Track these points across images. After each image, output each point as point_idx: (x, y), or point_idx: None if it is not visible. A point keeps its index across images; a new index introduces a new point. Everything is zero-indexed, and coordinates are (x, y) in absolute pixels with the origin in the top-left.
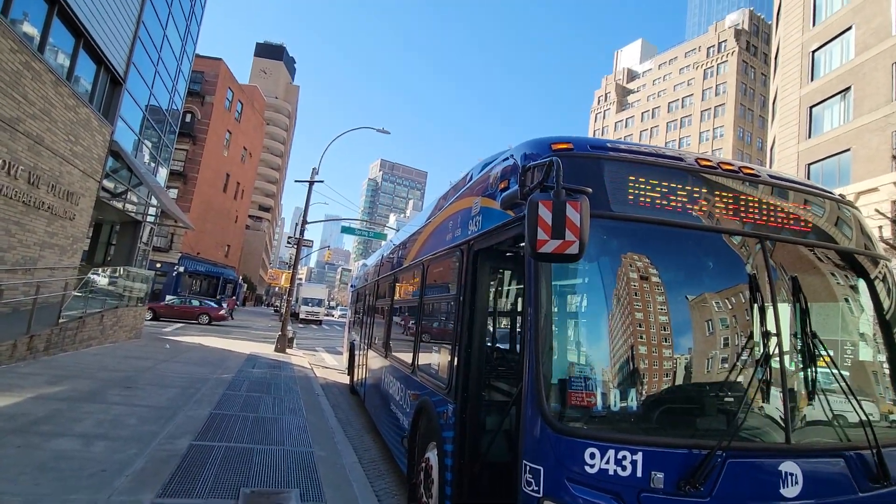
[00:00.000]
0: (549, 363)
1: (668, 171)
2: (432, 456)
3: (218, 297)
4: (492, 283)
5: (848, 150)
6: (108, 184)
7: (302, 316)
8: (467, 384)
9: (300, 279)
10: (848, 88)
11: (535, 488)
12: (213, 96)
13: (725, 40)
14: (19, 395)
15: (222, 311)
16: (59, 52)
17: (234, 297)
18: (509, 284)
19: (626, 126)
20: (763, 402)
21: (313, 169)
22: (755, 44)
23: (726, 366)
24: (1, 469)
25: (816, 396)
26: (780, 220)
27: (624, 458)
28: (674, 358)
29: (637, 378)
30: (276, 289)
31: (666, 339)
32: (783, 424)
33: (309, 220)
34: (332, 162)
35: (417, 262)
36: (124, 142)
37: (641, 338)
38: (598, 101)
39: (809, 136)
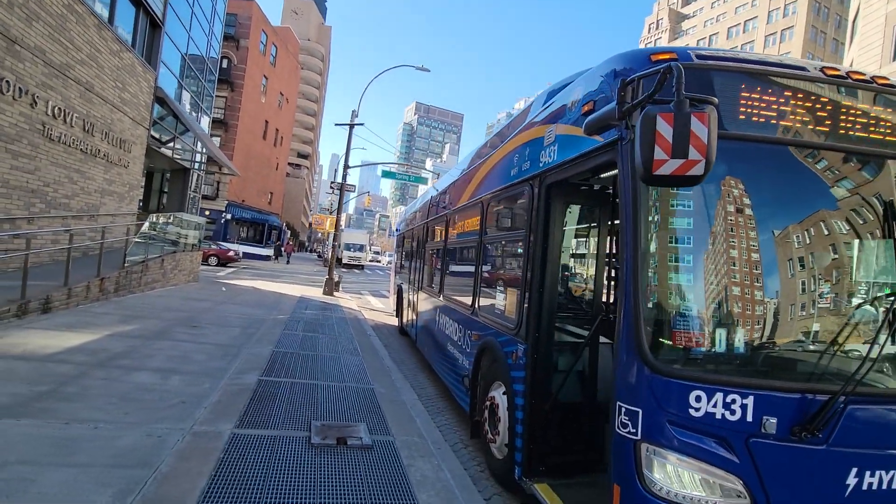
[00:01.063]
0: (650, 300)
1: (789, 82)
2: (498, 395)
3: (277, 243)
4: (564, 219)
5: None
6: (156, 132)
7: (345, 261)
8: (539, 325)
9: (341, 226)
10: None
11: (632, 430)
12: (248, 40)
13: None
14: (98, 333)
15: (231, 253)
16: None
17: (290, 243)
18: (584, 220)
19: None
20: (886, 343)
21: (353, 111)
22: None
23: (844, 304)
24: (90, 398)
25: None
26: None
27: (733, 401)
28: (787, 295)
29: (746, 317)
30: (319, 235)
31: (779, 275)
32: None
33: (349, 164)
34: (368, 106)
35: (475, 201)
36: (167, 88)
37: (752, 273)
38: (649, 30)
39: (894, 59)
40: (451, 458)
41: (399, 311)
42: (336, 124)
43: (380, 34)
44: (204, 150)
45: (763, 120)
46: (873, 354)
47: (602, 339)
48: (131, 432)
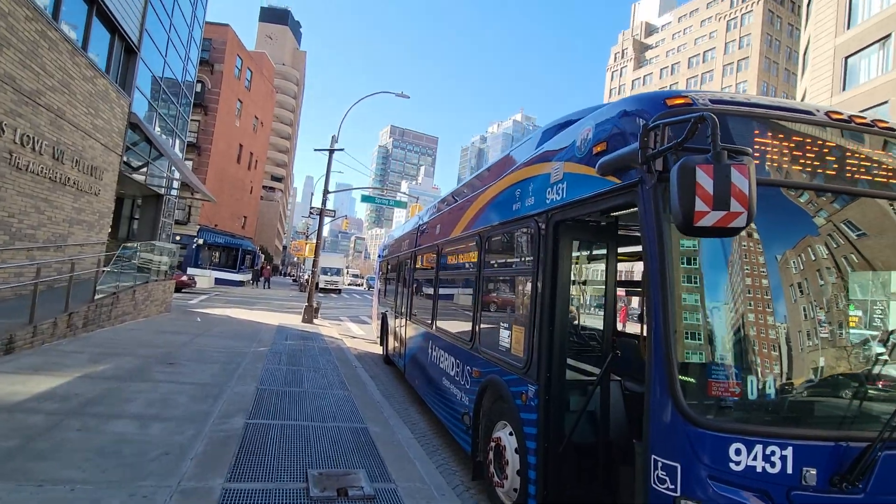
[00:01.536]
0: (684, 349)
1: (798, 126)
2: (504, 436)
3: (256, 268)
4: (573, 255)
5: (885, 102)
6: (128, 158)
7: (321, 285)
8: (550, 365)
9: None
10: (888, 36)
11: (671, 486)
12: (223, 64)
13: None
14: (68, 375)
15: (184, 278)
16: (72, 20)
17: (269, 267)
18: (593, 258)
19: (643, 83)
20: None
21: (333, 137)
22: None
23: (874, 346)
24: (64, 454)
25: None
26: None
27: (773, 453)
28: (817, 337)
29: (781, 364)
30: (295, 259)
31: (808, 319)
32: None
33: (327, 189)
34: (343, 129)
35: (472, 233)
36: (142, 113)
37: (787, 319)
38: (615, 58)
39: (844, 89)
40: None
41: (384, 340)
42: (316, 150)
43: (354, 58)
44: (179, 177)
45: (778, 163)
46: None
47: (612, 377)
48: (113, 493)
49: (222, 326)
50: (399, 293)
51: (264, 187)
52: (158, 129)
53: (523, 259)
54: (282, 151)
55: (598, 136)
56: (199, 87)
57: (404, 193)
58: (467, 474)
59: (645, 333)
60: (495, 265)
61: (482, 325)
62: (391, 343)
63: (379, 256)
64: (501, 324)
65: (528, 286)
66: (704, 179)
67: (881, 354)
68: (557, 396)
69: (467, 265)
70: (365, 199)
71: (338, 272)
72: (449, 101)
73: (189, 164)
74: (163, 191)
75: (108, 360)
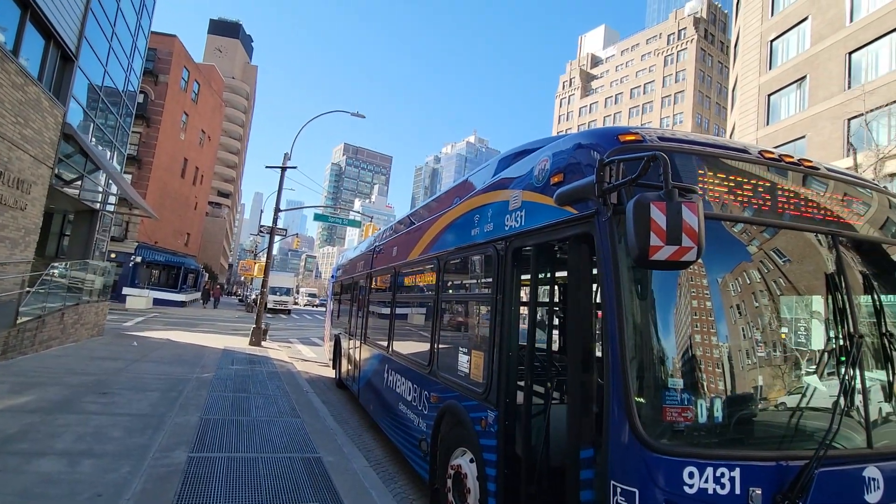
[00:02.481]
0: (640, 377)
1: (737, 163)
2: (465, 463)
3: (206, 287)
4: (531, 281)
5: (803, 137)
6: (62, 170)
7: (270, 305)
8: (510, 390)
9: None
10: (804, 77)
11: None
12: (168, 76)
13: (685, 28)
14: None
15: None
16: (2, 23)
17: (218, 287)
18: (551, 282)
19: (590, 111)
20: (847, 406)
21: (285, 154)
22: (713, 32)
23: (809, 370)
24: None
25: (892, 395)
26: (844, 214)
27: (722, 475)
28: (759, 361)
29: (727, 384)
30: (242, 278)
31: (750, 343)
32: (865, 429)
33: (278, 207)
34: (295, 146)
35: (430, 257)
36: (77, 124)
37: (727, 342)
38: (563, 87)
39: (768, 124)
40: None
41: (336, 363)
42: (267, 167)
43: (308, 76)
44: (117, 192)
45: (718, 198)
46: (836, 416)
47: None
48: None
49: (162, 351)
50: (353, 315)
51: (210, 203)
52: (95, 141)
53: (482, 283)
54: (230, 166)
55: (555, 167)
56: (141, 98)
57: (357, 212)
58: (425, 502)
59: (601, 355)
60: (454, 289)
61: (440, 350)
62: (344, 366)
63: (332, 277)
64: (460, 348)
65: (487, 311)
66: (658, 215)
67: (815, 374)
68: (517, 422)
69: (425, 288)
70: (318, 217)
71: (287, 292)
72: (403, 120)
73: (129, 177)
74: (98, 206)
75: (32, 391)
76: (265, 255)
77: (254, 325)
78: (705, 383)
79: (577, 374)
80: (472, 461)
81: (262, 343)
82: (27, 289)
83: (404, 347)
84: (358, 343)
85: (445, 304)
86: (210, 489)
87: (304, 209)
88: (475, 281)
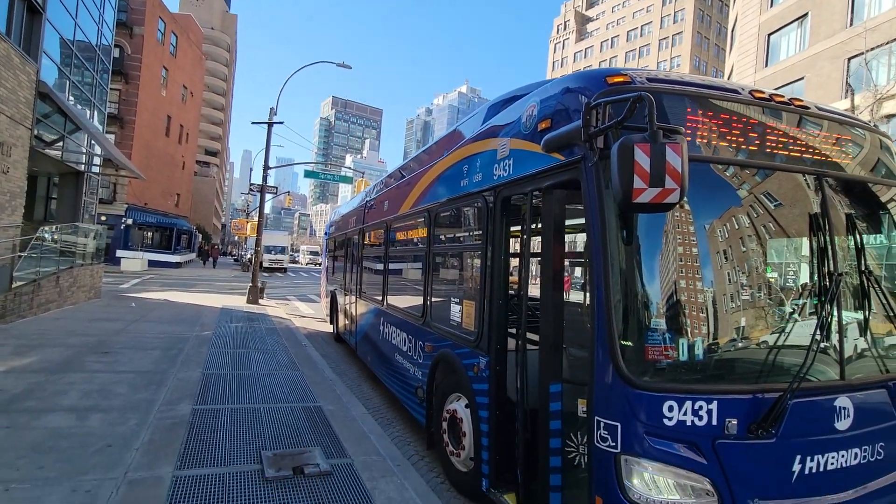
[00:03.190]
0: (623, 317)
1: (726, 104)
2: (460, 408)
3: (204, 248)
4: (521, 229)
5: (802, 78)
6: (40, 131)
7: (265, 265)
8: (500, 337)
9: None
10: (805, 15)
11: (612, 444)
12: (143, 27)
13: None
14: None
15: None
16: None
17: (216, 247)
18: (537, 230)
19: (585, 56)
20: (822, 340)
21: (271, 109)
22: None
23: (787, 305)
24: None
25: (867, 331)
26: (833, 154)
27: (700, 407)
28: (740, 300)
29: (707, 324)
30: (236, 238)
31: (732, 283)
32: (837, 361)
33: (267, 165)
34: (282, 100)
35: (420, 210)
36: (52, 82)
37: (709, 283)
38: (558, 30)
39: (766, 65)
40: (413, 475)
41: (333, 318)
42: (253, 122)
43: (291, 26)
44: (101, 152)
45: (706, 139)
46: (811, 352)
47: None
48: (54, 490)
49: (160, 311)
50: (348, 271)
51: (198, 162)
52: (73, 100)
53: (472, 234)
54: (215, 124)
55: (542, 113)
56: (118, 53)
57: (349, 168)
58: (422, 444)
59: (588, 302)
60: (445, 241)
61: (433, 301)
62: (341, 321)
63: (325, 234)
64: (452, 299)
65: (478, 261)
66: (642, 157)
67: (794, 312)
68: (507, 367)
69: (417, 241)
70: (308, 174)
71: (282, 250)
72: (393, 72)
73: (111, 137)
74: (82, 167)
75: (34, 352)
76: (258, 214)
77: (250, 284)
78: (686, 323)
79: (546, 314)
80: (466, 406)
81: (260, 301)
82: (19, 253)
83: (398, 300)
84: (353, 298)
85: (437, 257)
86: (215, 437)
87: (295, 166)
88: (466, 232)
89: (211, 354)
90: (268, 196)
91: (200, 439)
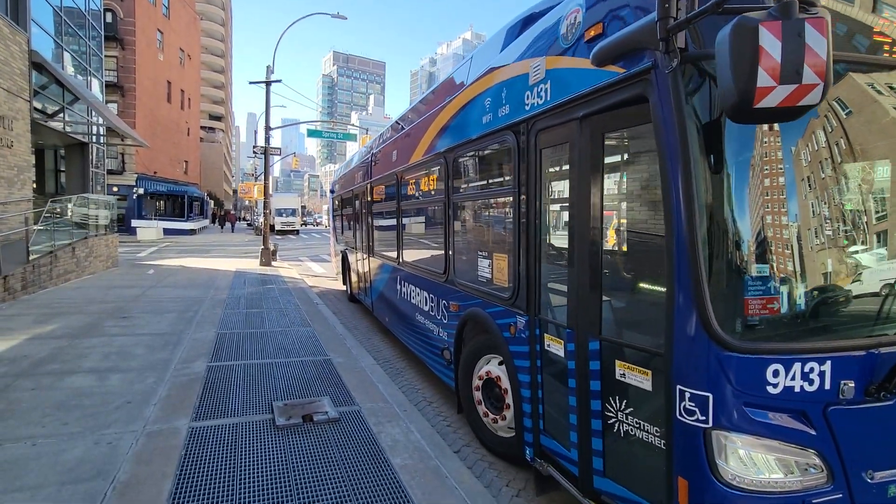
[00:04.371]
0: (713, 267)
1: None
2: (496, 369)
3: (220, 214)
4: (560, 168)
5: None
6: (40, 103)
7: (277, 227)
8: (540, 294)
9: (269, 192)
10: None
11: (701, 418)
12: None
13: None
14: (13, 338)
15: None
16: None
17: (232, 213)
18: (580, 169)
19: None
20: None
21: (268, 67)
22: None
23: None
24: (22, 414)
25: None
26: None
27: (811, 370)
28: (859, 240)
29: (818, 269)
30: (247, 203)
31: (847, 220)
32: None
33: (270, 125)
34: (281, 60)
35: (435, 156)
36: (44, 52)
37: (815, 223)
38: None
39: None
40: (419, 419)
41: (346, 278)
42: (251, 82)
43: None
44: (102, 122)
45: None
46: None
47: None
48: (77, 443)
49: (176, 276)
50: (357, 229)
51: (203, 128)
52: (73, 71)
53: (501, 179)
54: (217, 87)
55: (590, 18)
56: (110, 18)
57: (354, 125)
58: (430, 391)
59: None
60: (467, 189)
61: (456, 256)
62: (355, 281)
63: (330, 192)
64: (479, 253)
65: (508, 209)
66: (770, 43)
67: None
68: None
69: (432, 192)
70: (312, 133)
71: (293, 212)
72: (393, 21)
73: (113, 106)
74: (86, 138)
75: (56, 320)
76: (269, 178)
77: (262, 247)
78: (792, 271)
79: (583, 260)
80: (501, 364)
81: (273, 263)
82: (33, 226)
83: (415, 257)
84: (365, 257)
85: (458, 207)
86: (229, 390)
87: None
88: (492, 177)
89: (225, 315)
90: (275, 159)
91: (215, 393)
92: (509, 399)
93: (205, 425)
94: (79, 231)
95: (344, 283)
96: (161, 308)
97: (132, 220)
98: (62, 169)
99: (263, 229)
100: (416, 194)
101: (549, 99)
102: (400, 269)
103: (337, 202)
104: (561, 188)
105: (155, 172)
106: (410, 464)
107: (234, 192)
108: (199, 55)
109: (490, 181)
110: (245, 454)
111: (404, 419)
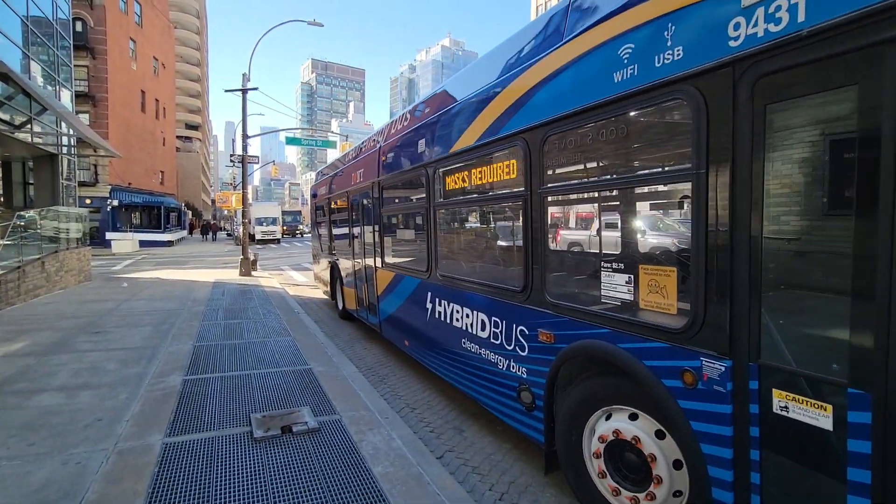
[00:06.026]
0: None
1: None
2: (630, 428)
3: (204, 223)
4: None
5: None
6: (6, 114)
7: (258, 237)
8: (760, 326)
9: (248, 200)
10: None
11: None
12: None
13: None
14: None
15: None
16: None
17: (215, 223)
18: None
19: None
20: None
21: (244, 75)
22: None
23: None
24: None
25: None
26: None
27: None
28: None
29: None
30: (227, 212)
31: None
32: None
33: (248, 133)
34: (260, 68)
35: (513, 135)
36: (10, 62)
37: None
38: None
39: None
40: (401, 426)
41: (338, 293)
42: (227, 90)
43: None
44: (70, 132)
45: None
46: None
47: None
48: (44, 464)
49: (152, 289)
50: (357, 236)
51: (179, 137)
52: (42, 80)
53: (662, 151)
54: (193, 96)
55: None
56: (80, 27)
57: (334, 132)
58: (415, 397)
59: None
60: (572, 175)
61: (548, 267)
62: (351, 296)
63: (313, 195)
64: (606, 264)
65: (692, 194)
66: None
67: None
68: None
69: (501, 186)
70: (290, 141)
71: (274, 221)
72: (371, 28)
73: (85, 117)
74: (56, 149)
75: (24, 337)
76: (247, 186)
77: (241, 257)
78: None
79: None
80: (635, 419)
81: (253, 273)
82: (0, 241)
83: (461, 268)
84: (369, 266)
85: (546, 202)
86: (206, 403)
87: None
88: (638, 153)
89: (203, 327)
90: (254, 167)
91: (191, 407)
92: (661, 471)
93: (179, 440)
94: (49, 245)
95: (332, 297)
96: (136, 321)
97: (107, 233)
98: (31, 181)
99: (242, 239)
100: (464, 190)
101: (801, 20)
102: (432, 283)
103: (323, 206)
104: (805, 157)
105: (130, 183)
106: (392, 471)
107: (213, 201)
108: (174, 64)
109: (636, 157)
110: (221, 468)
111: (386, 426)
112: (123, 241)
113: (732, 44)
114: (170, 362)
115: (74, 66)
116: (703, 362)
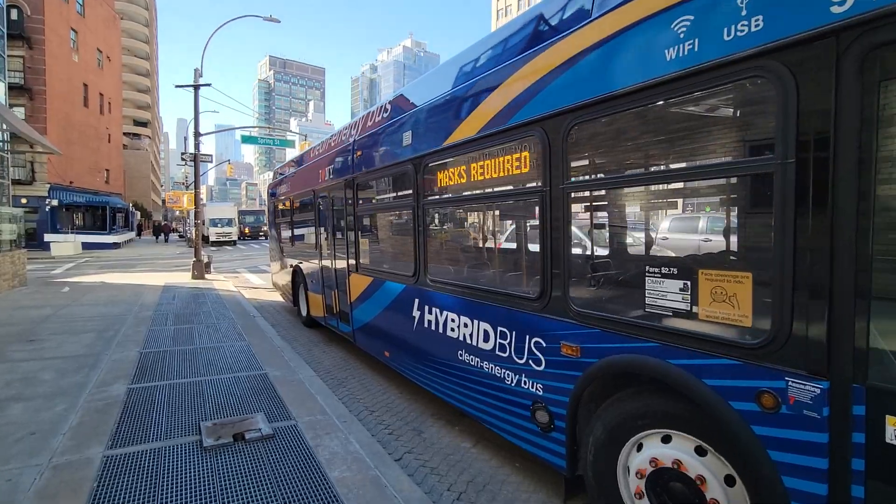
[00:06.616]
0: None
1: None
2: (698, 464)
3: (157, 224)
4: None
5: None
6: None
7: (213, 238)
8: (868, 341)
9: (202, 200)
10: None
11: None
12: None
13: None
14: None
15: None
16: None
17: (168, 224)
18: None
19: (530, 2)
20: None
21: (196, 70)
22: None
23: None
24: None
25: None
26: None
27: None
28: None
29: None
30: (178, 213)
31: None
32: None
33: (201, 131)
34: (215, 64)
35: (528, 122)
36: None
37: None
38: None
39: None
40: (359, 429)
41: (301, 298)
42: (177, 86)
43: None
44: (3, 126)
45: None
46: None
47: None
48: None
49: (95, 293)
50: (325, 237)
51: (127, 134)
52: None
53: (722, 144)
54: (142, 91)
55: None
56: (15, 15)
57: (294, 132)
58: (373, 399)
59: None
60: (616, 166)
61: (572, 272)
62: (317, 303)
63: (271, 195)
64: (653, 270)
65: (776, 183)
66: None
67: None
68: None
69: (513, 181)
70: (246, 140)
71: (229, 222)
72: (331, 26)
73: (20, 110)
74: None
75: None
76: (201, 185)
77: (194, 259)
78: None
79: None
80: (726, 467)
81: (206, 276)
82: None
83: (454, 271)
84: (340, 270)
85: (569, 198)
86: (152, 413)
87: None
88: (694, 138)
89: (150, 333)
90: (208, 166)
91: (135, 418)
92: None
93: (122, 453)
94: None
95: (295, 303)
96: (76, 328)
97: (45, 235)
98: None
99: (195, 240)
100: (461, 186)
101: None
102: (420, 288)
103: (285, 206)
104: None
105: (71, 182)
106: (349, 476)
107: (164, 202)
108: (121, 57)
109: (688, 150)
110: (167, 481)
111: (344, 430)
112: (64, 244)
113: (836, 10)
114: (113, 370)
115: (8, 56)
116: (790, 383)
